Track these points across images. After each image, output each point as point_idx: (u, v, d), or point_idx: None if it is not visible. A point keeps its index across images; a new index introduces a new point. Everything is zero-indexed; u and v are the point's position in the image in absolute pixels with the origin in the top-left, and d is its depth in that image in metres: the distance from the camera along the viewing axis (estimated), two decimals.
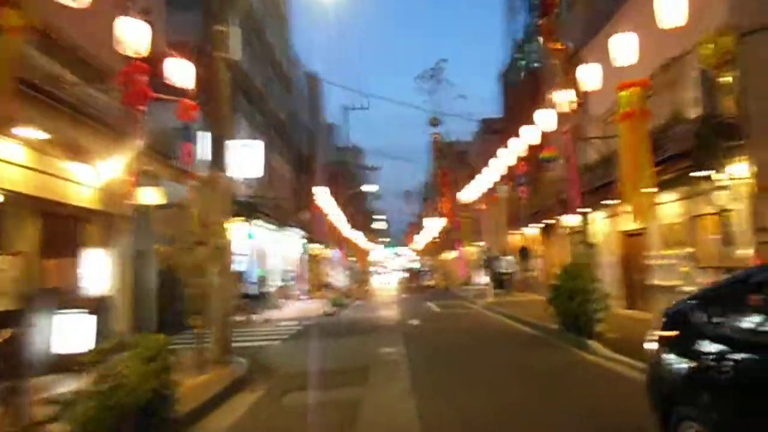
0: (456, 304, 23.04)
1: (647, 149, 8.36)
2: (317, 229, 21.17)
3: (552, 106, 12.82)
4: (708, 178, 10.38)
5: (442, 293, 33.49)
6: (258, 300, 21.62)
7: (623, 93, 8.53)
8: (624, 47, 8.83)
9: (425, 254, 57.62)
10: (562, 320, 11.18)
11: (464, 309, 20.44)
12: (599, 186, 13.21)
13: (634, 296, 14.96)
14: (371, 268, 69.16)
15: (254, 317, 17.96)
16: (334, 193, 39.22)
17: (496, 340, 11.35)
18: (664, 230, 12.91)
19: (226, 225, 9.31)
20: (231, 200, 10.34)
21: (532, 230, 22.96)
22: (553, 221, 18.22)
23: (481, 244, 26.49)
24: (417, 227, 70.14)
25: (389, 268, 76.56)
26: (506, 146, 15.98)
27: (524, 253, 25.94)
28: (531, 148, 14.88)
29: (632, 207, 8.61)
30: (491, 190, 19.96)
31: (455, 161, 35.45)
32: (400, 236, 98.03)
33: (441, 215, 31.25)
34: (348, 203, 41.39)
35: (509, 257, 29.38)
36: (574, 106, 10.46)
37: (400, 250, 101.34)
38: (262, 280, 22.63)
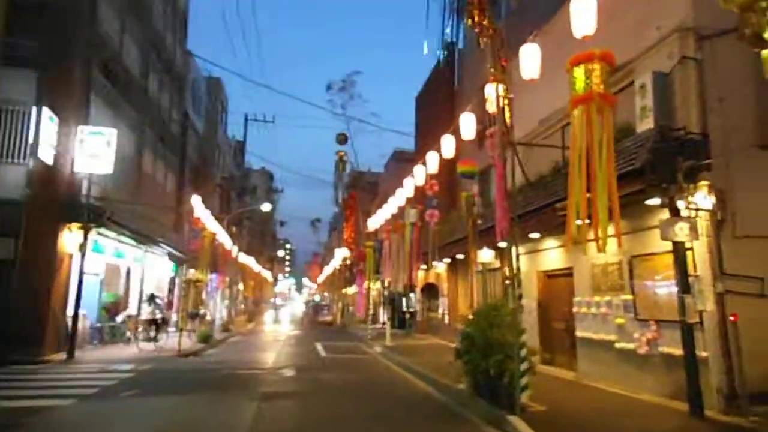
0: (350, 346, 19.83)
1: (610, 149, 5.87)
2: (192, 250, 17.34)
3: (472, 111, 10.36)
4: (663, 206, 8.18)
5: (338, 331, 30.19)
6: (98, 333, 17.20)
7: (577, 70, 6.05)
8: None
9: (327, 287, 54.13)
10: (473, 381, 8.43)
11: (358, 353, 17.29)
12: (521, 214, 10.91)
13: (555, 350, 12.60)
14: (269, 299, 64.34)
15: (76, 355, 13.71)
16: (227, 212, 35.06)
17: (390, 409, 8.29)
18: (596, 271, 10.68)
19: None
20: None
21: (441, 264, 20.50)
22: (461, 256, 15.78)
23: (386, 279, 23.73)
24: (322, 258, 66.70)
25: (291, 301, 71.98)
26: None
27: (430, 290, 23.43)
28: (445, 164, 12.35)
29: (586, 231, 6.03)
30: (397, 217, 17.24)
31: (365, 191, 32.97)
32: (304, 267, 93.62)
33: (345, 245, 28.27)
34: (240, 224, 37.26)
35: (412, 295, 26.89)
36: (506, 101, 7.94)
37: (306, 281, 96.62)
38: (110, 308, 18.17)
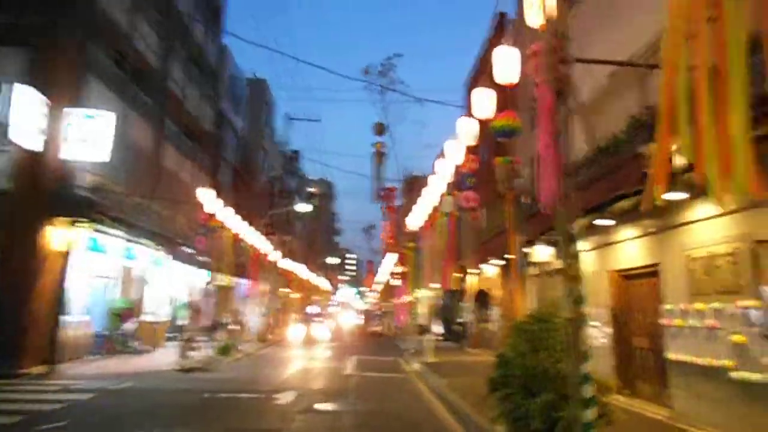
0: (386, 362, 17.22)
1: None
2: (200, 250, 15.42)
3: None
4: None
5: (384, 343, 27.60)
6: (104, 341, 15.51)
7: None
8: None
9: (381, 296, 51.73)
10: (513, 430, 5.62)
11: (391, 371, 14.64)
12: (584, 184, 7.94)
13: (636, 376, 9.42)
14: (324, 308, 62.56)
15: (62, 368, 11.92)
16: (270, 217, 33.44)
17: None
18: (694, 267, 7.52)
19: None
20: None
21: (492, 267, 17.52)
22: (512, 256, 12.78)
23: (437, 286, 20.93)
24: (376, 266, 64.39)
25: (351, 309, 70.21)
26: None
27: (483, 298, 20.39)
28: (484, 134, 9.52)
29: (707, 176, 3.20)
30: (437, 210, 14.46)
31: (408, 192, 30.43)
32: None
33: (385, 247, 25.67)
34: (284, 230, 35.50)
35: (467, 304, 23.93)
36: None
37: (367, 290, 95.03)
38: (122, 314, 16.49)
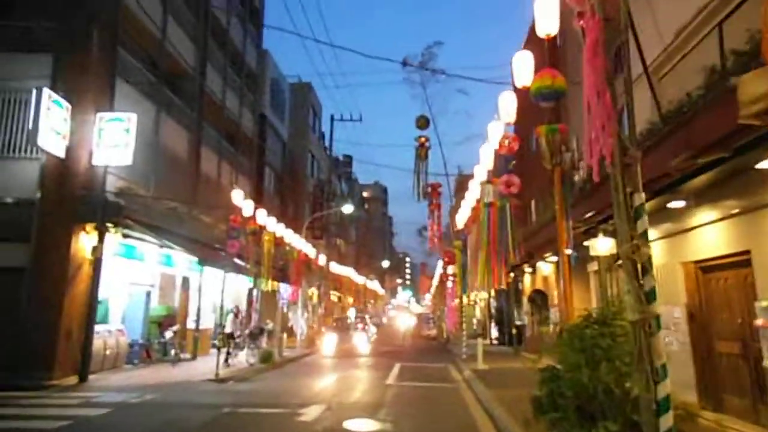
0: (434, 369, 16.08)
1: None
2: (231, 254, 14.79)
3: None
4: None
5: (436, 348, 26.34)
6: (142, 351, 15.18)
7: None
8: None
9: (436, 299, 50.30)
10: None
11: (438, 380, 13.48)
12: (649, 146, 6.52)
13: (723, 388, 7.84)
14: (379, 312, 61.79)
15: (95, 378, 11.52)
16: (319, 221, 32.94)
17: None
18: None
19: None
20: None
21: (548, 265, 16.01)
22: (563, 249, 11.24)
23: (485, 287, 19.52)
24: (429, 268, 63.08)
25: (408, 313, 69.07)
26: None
27: (539, 298, 18.80)
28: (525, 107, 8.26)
29: None
30: (479, 203, 13.18)
31: (459, 191, 29.09)
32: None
33: (430, 246, 24.48)
34: (331, 232, 34.86)
35: (523, 306, 22.35)
36: None
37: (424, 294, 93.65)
38: (162, 322, 16.15)
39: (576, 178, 8.11)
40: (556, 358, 5.08)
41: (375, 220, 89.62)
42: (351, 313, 35.84)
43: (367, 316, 30.16)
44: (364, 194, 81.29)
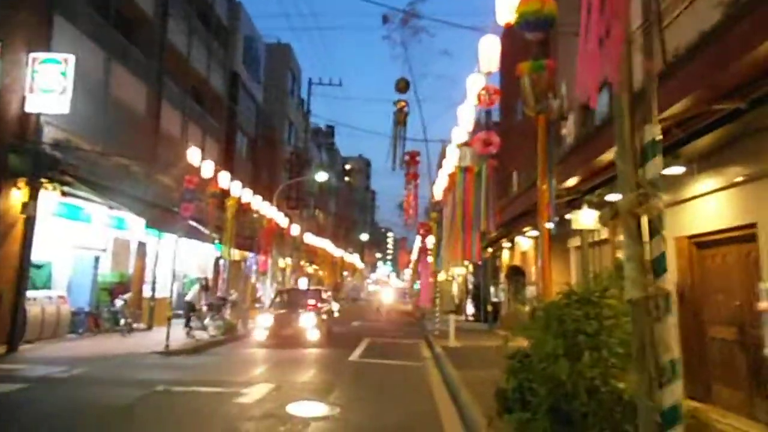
0: (403, 346, 15.30)
1: None
2: (185, 217, 13.59)
3: None
4: None
5: (410, 324, 25.63)
6: (89, 320, 14.06)
7: None
8: None
9: (415, 274, 49.70)
10: None
11: (404, 358, 12.62)
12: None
13: (711, 377, 7.03)
14: (355, 286, 61.16)
15: (25, 349, 10.41)
16: (296, 190, 31.76)
17: None
18: None
19: None
20: None
21: (527, 240, 15.15)
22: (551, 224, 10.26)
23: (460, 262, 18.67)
24: (409, 243, 62.28)
25: (389, 288, 68.64)
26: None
27: (515, 275, 18.03)
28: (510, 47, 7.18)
29: None
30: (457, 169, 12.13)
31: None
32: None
33: (406, 218, 23.54)
34: (305, 204, 33.63)
35: (500, 283, 21.64)
36: None
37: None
38: (112, 290, 14.98)
39: (564, 131, 7.10)
40: (522, 345, 4.14)
41: (357, 193, 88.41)
42: (302, 283, 28.60)
43: (323, 290, 19.82)
44: (347, 167, 79.80)
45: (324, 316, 15.41)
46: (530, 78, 4.85)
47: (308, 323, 14.31)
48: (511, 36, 7.48)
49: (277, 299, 16.85)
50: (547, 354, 3.37)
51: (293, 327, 14.20)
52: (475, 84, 8.69)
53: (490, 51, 7.54)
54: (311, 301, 15.71)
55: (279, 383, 8.48)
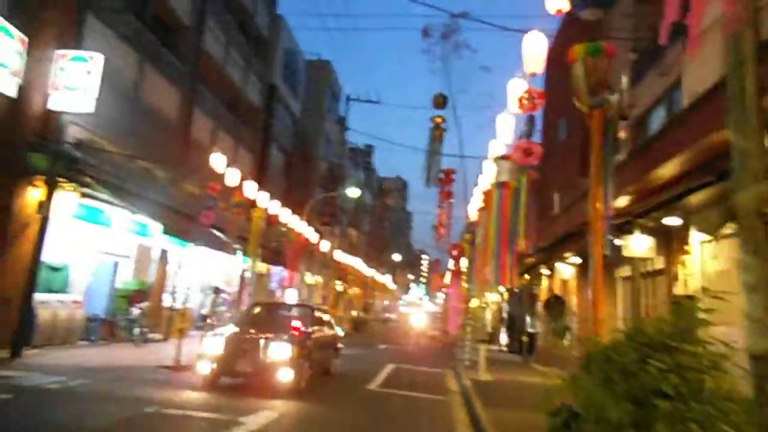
0: (430, 375, 14.28)
1: None
2: (206, 225, 13.09)
3: None
4: None
5: (438, 350, 24.44)
6: (103, 327, 13.60)
7: None
8: None
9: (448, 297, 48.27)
10: None
11: (428, 391, 11.57)
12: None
13: None
14: (386, 306, 59.98)
15: (30, 355, 9.90)
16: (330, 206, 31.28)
17: None
18: None
19: None
20: None
21: (567, 266, 13.97)
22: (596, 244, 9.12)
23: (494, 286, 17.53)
24: (443, 265, 60.84)
25: (420, 310, 67.33)
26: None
27: (555, 304, 16.72)
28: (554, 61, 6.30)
29: None
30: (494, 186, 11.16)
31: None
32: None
33: (437, 237, 22.54)
34: (340, 223, 33.03)
35: (538, 312, 20.29)
36: None
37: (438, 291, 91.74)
38: (131, 298, 14.52)
39: (622, 134, 6.13)
40: (574, 395, 3.16)
41: (393, 213, 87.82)
42: (291, 294, 20.71)
43: (318, 309, 13.13)
44: (384, 187, 79.45)
45: (313, 351, 9.89)
46: (584, 64, 3.95)
47: (279, 355, 8.78)
48: (555, 49, 6.62)
49: (247, 316, 11.46)
50: (604, 419, 2.41)
51: (254, 360, 8.87)
52: (516, 89, 7.80)
53: (535, 50, 6.66)
54: (295, 323, 9.79)
55: (282, 412, 7.61)
